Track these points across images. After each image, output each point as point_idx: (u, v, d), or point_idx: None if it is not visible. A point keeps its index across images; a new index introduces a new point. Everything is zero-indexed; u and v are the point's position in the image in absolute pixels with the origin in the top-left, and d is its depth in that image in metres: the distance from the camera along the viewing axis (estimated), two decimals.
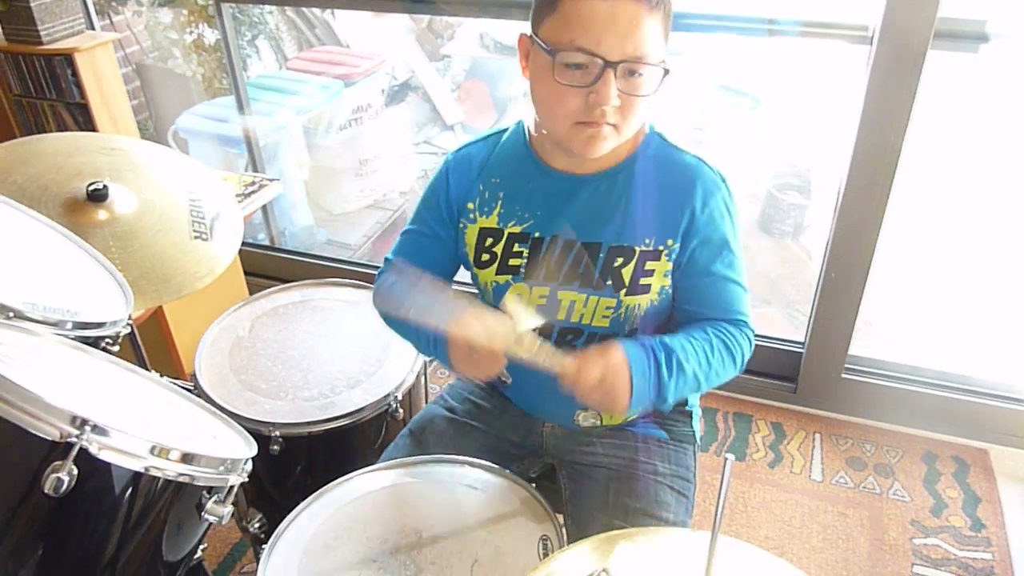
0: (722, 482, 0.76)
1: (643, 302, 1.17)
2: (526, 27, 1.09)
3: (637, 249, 1.14)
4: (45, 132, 2.38)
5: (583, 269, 1.16)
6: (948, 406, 2.19)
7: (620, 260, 1.15)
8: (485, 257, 1.22)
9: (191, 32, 3.41)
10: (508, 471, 1.23)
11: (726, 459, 0.80)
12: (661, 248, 1.14)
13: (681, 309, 1.21)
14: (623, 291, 1.15)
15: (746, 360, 1.18)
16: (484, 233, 1.21)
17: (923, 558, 1.88)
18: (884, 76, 1.83)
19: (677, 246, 1.14)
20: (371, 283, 1.73)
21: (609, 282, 1.15)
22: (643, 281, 1.15)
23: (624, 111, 1.04)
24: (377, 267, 2.71)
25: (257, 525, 1.52)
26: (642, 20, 0.99)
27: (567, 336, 1.21)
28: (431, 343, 1.17)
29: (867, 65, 1.85)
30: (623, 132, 1.07)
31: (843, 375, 2.25)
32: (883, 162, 1.92)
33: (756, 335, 1.20)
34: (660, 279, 1.16)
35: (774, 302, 2.92)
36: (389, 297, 1.28)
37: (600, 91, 1.01)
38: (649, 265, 1.15)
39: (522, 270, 1.19)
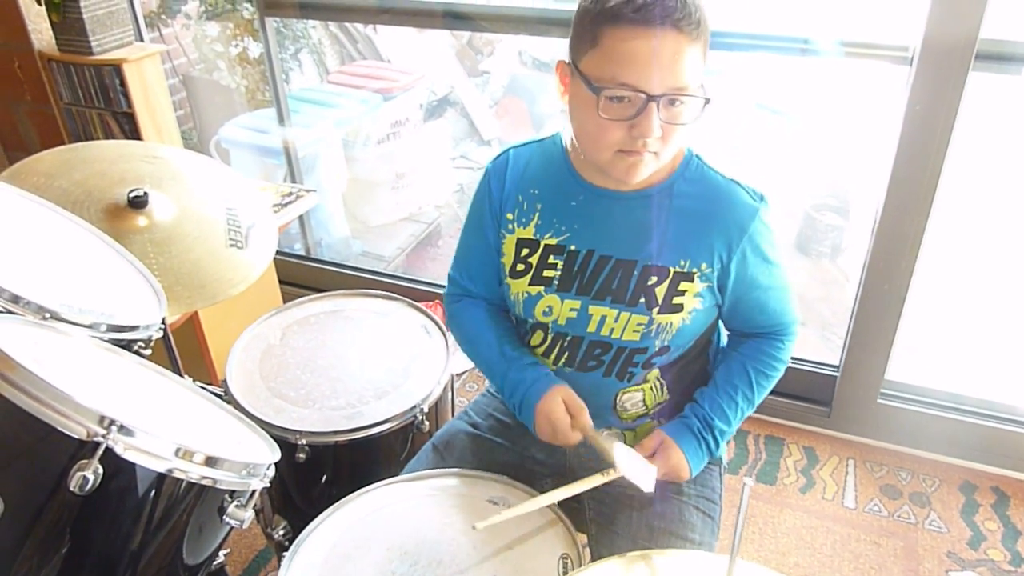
0: (740, 507, 0.75)
1: (675, 321, 1.16)
2: (564, 44, 1.09)
3: (672, 270, 1.14)
4: (92, 140, 2.46)
5: (616, 285, 1.17)
6: (988, 435, 2.13)
7: (654, 279, 1.15)
8: (520, 267, 1.23)
9: (236, 45, 3.49)
10: (530, 488, 1.22)
11: (744, 484, 0.79)
12: (695, 271, 1.14)
13: (729, 323, 1.27)
14: (655, 309, 1.16)
15: (790, 355, 1.27)
16: (521, 243, 1.22)
17: None
18: (924, 97, 1.80)
19: (711, 270, 1.14)
20: (403, 295, 1.75)
21: (642, 300, 1.16)
22: (675, 301, 1.15)
23: (665, 139, 1.04)
24: (412, 279, 2.79)
25: (282, 532, 1.53)
26: (684, 52, 0.99)
27: (595, 350, 1.21)
28: (515, 408, 1.25)
29: (907, 86, 1.82)
30: (663, 158, 1.08)
31: (879, 400, 2.20)
32: (922, 184, 1.88)
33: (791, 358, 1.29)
34: (692, 299, 1.16)
35: (809, 323, 2.88)
36: (466, 344, 1.36)
37: (642, 124, 1.01)
38: (683, 286, 1.15)
39: (555, 282, 1.20)
